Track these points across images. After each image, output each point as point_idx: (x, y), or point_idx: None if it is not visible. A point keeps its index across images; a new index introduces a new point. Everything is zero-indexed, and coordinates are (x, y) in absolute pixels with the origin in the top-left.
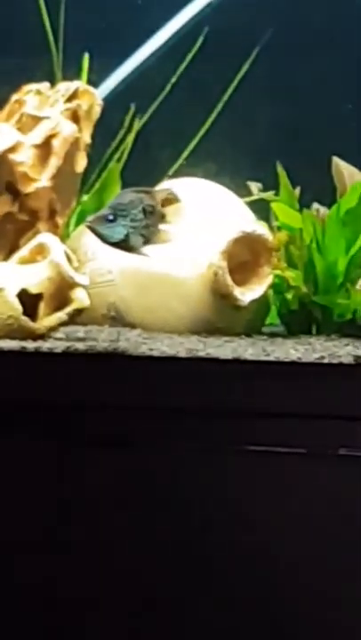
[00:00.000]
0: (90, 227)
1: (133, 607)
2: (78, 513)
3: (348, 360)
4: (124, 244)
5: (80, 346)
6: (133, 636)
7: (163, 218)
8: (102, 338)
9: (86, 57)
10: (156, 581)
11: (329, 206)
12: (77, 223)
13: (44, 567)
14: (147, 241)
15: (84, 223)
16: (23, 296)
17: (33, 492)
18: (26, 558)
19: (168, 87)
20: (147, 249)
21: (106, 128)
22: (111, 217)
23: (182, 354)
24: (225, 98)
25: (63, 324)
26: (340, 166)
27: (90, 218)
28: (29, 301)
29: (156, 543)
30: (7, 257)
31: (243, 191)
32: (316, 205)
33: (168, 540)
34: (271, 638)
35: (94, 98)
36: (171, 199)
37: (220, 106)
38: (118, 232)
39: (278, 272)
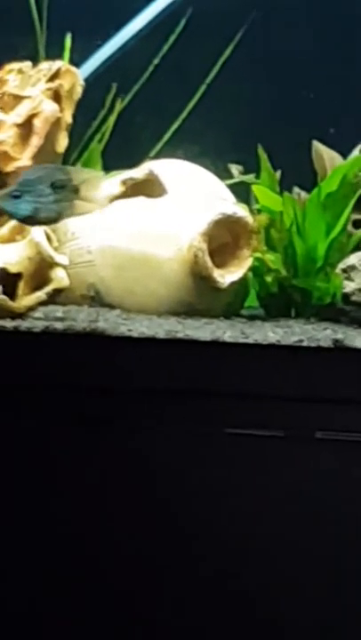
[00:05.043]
0: None
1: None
2: (58, 492)
3: (326, 343)
4: (32, 220)
5: (59, 325)
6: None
7: (77, 192)
8: (81, 318)
9: (69, 37)
10: (138, 564)
11: (309, 190)
12: None
13: (41, 545)
14: (60, 215)
15: None
16: (2, 275)
17: (16, 471)
18: (22, 538)
19: (150, 68)
20: (123, 228)
21: (87, 108)
22: (17, 193)
23: (161, 335)
24: (207, 80)
25: (42, 303)
26: (321, 150)
27: None
28: (8, 280)
29: (133, 527)
30: None
31: (224, 173)
32: (297, 190)
33: (145, 524)
34: (250, 616)
35: (76, 78)
36: (151, 180)
37: (202, 88)
38: (24, 208)
39: (258, 255)
